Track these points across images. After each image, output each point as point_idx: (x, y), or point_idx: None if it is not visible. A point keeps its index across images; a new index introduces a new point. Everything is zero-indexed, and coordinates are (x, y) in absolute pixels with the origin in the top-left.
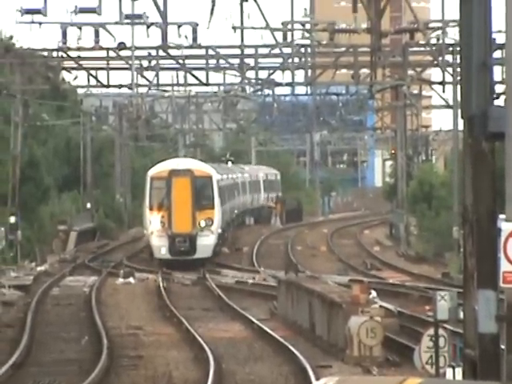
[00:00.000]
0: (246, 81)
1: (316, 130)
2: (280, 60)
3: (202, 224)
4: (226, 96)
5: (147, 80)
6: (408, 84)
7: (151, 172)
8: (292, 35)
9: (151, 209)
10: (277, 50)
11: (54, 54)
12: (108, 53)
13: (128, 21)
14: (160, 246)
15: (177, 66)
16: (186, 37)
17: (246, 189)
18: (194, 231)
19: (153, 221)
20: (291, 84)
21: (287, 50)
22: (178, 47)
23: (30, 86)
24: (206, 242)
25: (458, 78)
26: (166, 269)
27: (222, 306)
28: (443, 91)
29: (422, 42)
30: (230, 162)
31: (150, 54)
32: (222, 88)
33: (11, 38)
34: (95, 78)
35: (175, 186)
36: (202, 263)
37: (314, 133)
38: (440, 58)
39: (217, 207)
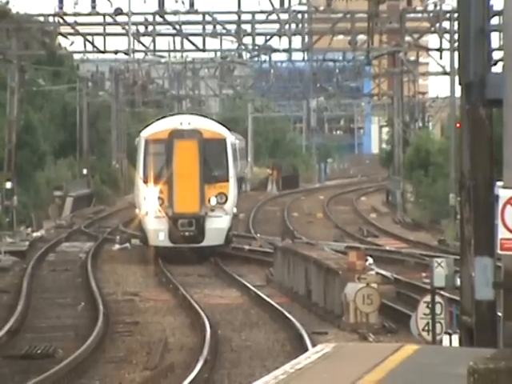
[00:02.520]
0: (243, 47)
1: (313, 97)
2: (277, 26)
3: (213, 201)
4: (222, 62)
5: (144, 46)
6: (405, 50)
7: (146, 133)
8: (289, 1)
9: (146, 181)
10: (274, 16)
11: (51, 19)
12: (105, 18)
13: None
14: (157, 231)
15: (173, 31)
16: (182, 2)
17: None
18: (202, 211)
19: (148, 197)
20: (288, 50)
21: (284, 16)
22: (175, 13)
23: (26, 52)
24: (218, 225)
25: (456, 44)
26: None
27: (218, 273)
28: (440, 58)
29: (419, 8)
30: None
31: (146, 19)
32: (218, 54)
33: (7, 3)
34: (92, 43)
35: (178, 151)
36: (212, 253)
37: (311, 99)
38: (437, 25)
39: (232, 179)
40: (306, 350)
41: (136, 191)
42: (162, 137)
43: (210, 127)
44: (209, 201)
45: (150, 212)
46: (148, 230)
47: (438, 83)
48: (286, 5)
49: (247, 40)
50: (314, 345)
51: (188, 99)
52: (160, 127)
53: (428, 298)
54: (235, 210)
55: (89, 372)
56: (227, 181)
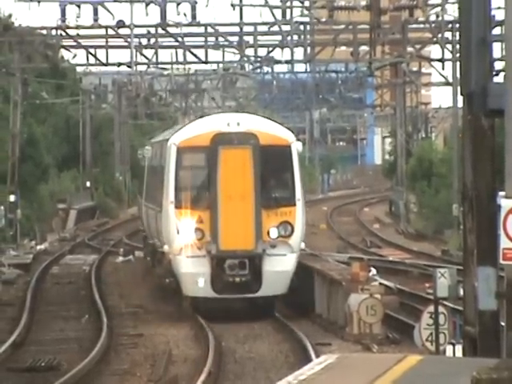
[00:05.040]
0: (245, 58)
1: (315, 108)
2: (279, 37)
3: (274, 234)
4: (225, 74)
5: (146, 58)
6: (407, 61)
7: (178, 138)
8: (291, 12)
9: (178, 206)
10: (276, 28)
11: (53, 32)
12: (107, 31)
13: None
14: (195, 276)
15: (176, 43)
16: (184, 14)
17: None
18: (258, 248)
19: (182, 229)
20: (290, 61)
21: (286, 28)
22: (177, 25)
23: (29, 65)
24: (281, 268)
25: (458, 54)
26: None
27: None
28: (442, 68)
29: (421, 18)
30: None
31: (149, 31)
32: (221, 66)
33: (10, 16)
34: (94, 56)
35: (225, 162)
36: (271, 306)
37: (314, 110)
38: (439, 35)
39: (299, 203)
40: (310, 360)
41: (164, 220)
42: (201, 143)
43: (269, 129)
44: (268, 233)
45: (185, 249)
46: (182, 274)
47: (441, 93)
48: (288, 16)
49: (249, 52)
50: (317, 356)
51: (191, 111)
52: (198, 130)
53: (431, 309)
54: (303, 245)
55: None
56: (294, 204)
